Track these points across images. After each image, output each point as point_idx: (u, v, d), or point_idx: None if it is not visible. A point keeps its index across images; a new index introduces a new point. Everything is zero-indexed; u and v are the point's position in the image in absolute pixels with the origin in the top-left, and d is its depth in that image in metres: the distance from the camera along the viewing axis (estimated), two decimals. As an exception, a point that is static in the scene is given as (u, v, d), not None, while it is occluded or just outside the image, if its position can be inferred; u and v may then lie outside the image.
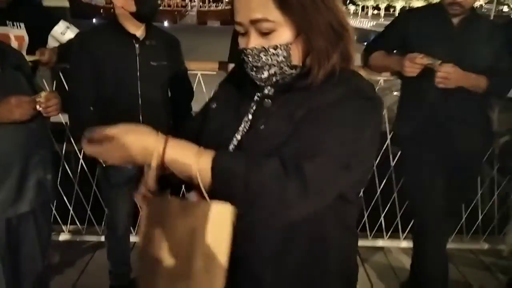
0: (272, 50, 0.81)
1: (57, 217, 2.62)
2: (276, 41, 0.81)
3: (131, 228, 2.46)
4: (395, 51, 2.12)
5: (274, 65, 0.82)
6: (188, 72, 2.13)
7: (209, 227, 0.70)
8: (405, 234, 2.82)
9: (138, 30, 1.82)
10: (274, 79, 0.85)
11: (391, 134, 2.40)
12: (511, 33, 2.00)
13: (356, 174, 0.83)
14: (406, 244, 2.80)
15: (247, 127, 0.88)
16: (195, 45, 16.19)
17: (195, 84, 2.33)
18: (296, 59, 0.83)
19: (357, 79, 0.86)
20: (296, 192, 0.72)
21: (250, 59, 0.83)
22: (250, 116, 0.89)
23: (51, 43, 2.20)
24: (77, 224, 2.77)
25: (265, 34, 0.81)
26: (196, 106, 2.24)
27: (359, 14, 71.02)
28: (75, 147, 2.62)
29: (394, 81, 2.23)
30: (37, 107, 1.46)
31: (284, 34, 0.81)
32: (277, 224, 0.82)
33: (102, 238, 2.59)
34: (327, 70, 0.82)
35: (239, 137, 0.88)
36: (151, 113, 1.86)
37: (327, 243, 0.89)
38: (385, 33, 2.19)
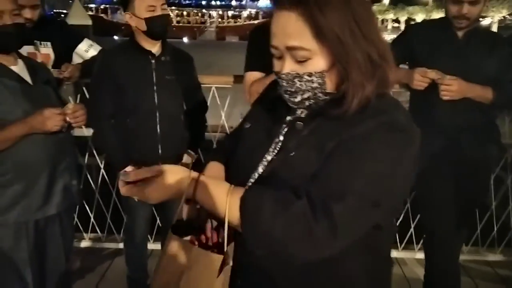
0: (306, 77, 0.81)
1: (79, 224, 2.74)
2: (311, 69, 0.81)
3: (149, 236, 2.55)
4: (401, 65, 2.18)
5: (308, 91, 0.82)
6: (203, 86, 2.23)
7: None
8: (419, 245, 2.81)
9: (153, 47, 1.94)
10: (307, 103, 0.85)
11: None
12: None
13: (388, 209, 0.82)
14: (420, 255, 2.79)
15: (277, 149, 0.88)
16: (214, 60, 16.47)
17: (209, 98, 2.42)
18: (330, 86, 0.83)
19: (392, 109, 0.83)
20: (325, 235, 0.74)
21: (285, 84, 0.83)
22: (281, 138, 0.89)
23: (76, 59, 2.34)
24: (97, 232, 2.88)
25: (300, 61, 0.81)
26: (211, 118, 2.33)
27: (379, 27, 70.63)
28: (97, 157, 2.74)
29: (404, 93, 2.27)
30: (66, 118, 1.58)
31: (320, 62, 0.80)
32: (307, 260, 0.81)
33: (121, 246, 2.68)
34: (361, 100, 0.80)
35: (269, 158, 0.89)
36: (168, 123, 1.96)
37: (354, 269, 0.87)
38: (392, 47, 2.24)
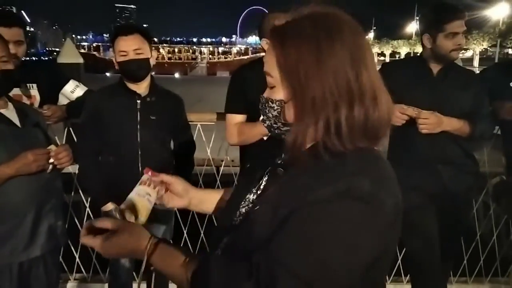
0: (270, 103, 0.83)
1: (64, 265, 2.69)
2: (274, 96, 0.83)
3: (134, 275, 2.52)
4: None
5: (272, 117, 0.84)
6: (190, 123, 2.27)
7: None
8: (407, 278, 2.80)
9: (139, 88, 1.99)
10: (275, 132, 0.86)
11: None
12: (487, 81, 2.13)
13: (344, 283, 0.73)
14: (409, 287, 2.78)
15: (259, 190, 0.88)
16: (204, 94, 16.63)
17: (195, 134, 2.46)
18: (290, 118, 0.81)
19: (358, 172, 0.75)
20: None
21: (261, 107, 0.86)
22: (264, 180, 0.89)
23: (62, 100, 2.38)
24: (82, 272, 2.82)
25: (271, 87, 0.84)
26: (197, 152, 2.36)
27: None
28: (82, 196, 2.74)
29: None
30: (50, 159, 1.60)
31: (280, 92, 0.81)
32: None
33: (107, 286, 2.63)
34: (300, 143, 0.78)
35: (251, 197, 0.89)
36: (150, 162, 1.97)
37: None
38: None
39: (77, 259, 2.77)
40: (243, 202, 0.90)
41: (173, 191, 1.11)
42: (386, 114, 0.81)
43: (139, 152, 1.96)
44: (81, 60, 9.42)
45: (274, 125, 0.85)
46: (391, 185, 0.79)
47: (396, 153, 2.23)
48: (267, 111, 0.85)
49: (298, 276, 0.70)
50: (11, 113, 1.64)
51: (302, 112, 0.78)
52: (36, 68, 2.31)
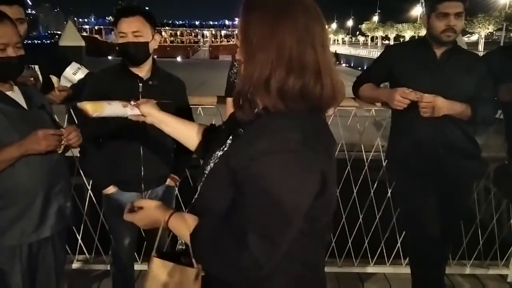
0: (234, 61, 1.02)
1: (67, 247, 2.72)
2: (237, 56, 1.01)
3: (136, 256, 2.55)
4: (381, 85, 2.24)
5: (234, 73, 1.02)
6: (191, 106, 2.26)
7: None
8: (406, 261, 2.83)
9: (140, 71, 1.98)
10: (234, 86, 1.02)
11: (386, 161, 2.47)
12: (491, 65, 2.10)
13: (298, 222, 0.90)
14: (409, 270, 2.80)
15: (225, 148, 1.00)
16: (207, 78, 16.59)
17: (196, 117, 2.46)
18: None
19: (282, 127, 0.89)
20: (249, 265, 0.87)
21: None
22: (229, 139, 1.01)
23: (64, 83, 2.37)
24: (85, 254, 2.87)
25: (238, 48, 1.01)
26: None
27: (369, 44, 71.99)
28: (84, 179, 2.75)
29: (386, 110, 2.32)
30: (61, 140, 1.62)
31: (240, 52, 0.97)
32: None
33: (109, 267, 2.67)
34: (248, 106, 0.95)
35: (219, 154, 1.01)
36: (151, 146, 1.99)
37: (279, 281, 0.98)
38: (373, 66, 2.32)
39: (80, 241, 2.80)
40: (212, 158, 1.02)
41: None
42: (331, 91, 0.94)
43: (141, 136, 1.96)
44: (82, 43, 9.37)
45: (235, 81, 0.98)
46: (321, 136, 0.94)
47: (398, 137, 2.24)
48: (234, 69, 1.00)
49: (269, 223, 0.86)
50: (17, 96, 1.64)
51: (249, 71, 0.93)
52: (37, 51, 2.29)
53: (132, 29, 1.89)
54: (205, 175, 1.03)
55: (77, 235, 2.78)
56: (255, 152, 0.87)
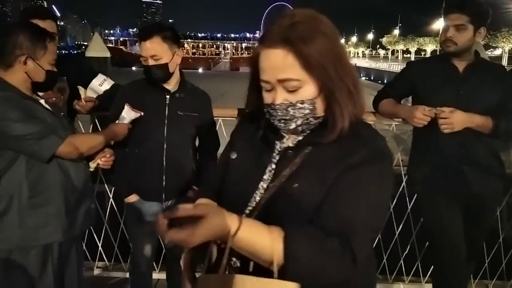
0: (299, 105, 0.91)
1: (87, 253, 2.78)
2: (302, 97, 0.90)
3: (154, 265, 2.58)
4: (402, 100, 2.24)
5: (301, 117, 0.92)
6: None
7: None
8: (426, 278, 2.78)
9: (168, 84, 2.04)
10: (300, 129, 0.94)
11: (406, 176, 2.44)
12: None
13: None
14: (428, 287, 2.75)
15: (271, 176, 0.96)
16: (228, 90, 16.73)
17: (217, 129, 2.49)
18: (319, 111, 0.93)
19: (376, 137, 0.94)
20: (348, 268, 0.85)
21: (279, 113, 0.92)
22: (273, 166, 0.97)
23: (90, 93, 2.45)
24: (105, 261, 2.92)
25: (291, 91, 0.90)
26: (221, 150, 2.38)
27: (389, 58, 71.41)
28: (106, 187, 2.81)
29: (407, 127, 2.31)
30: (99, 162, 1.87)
31: (309, 90, 0.90)
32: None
33: (128, 275, 2.71)
34: (351, 120, 0.92)
35: (265, 185, 0.96)
36: (174, 157, 2.03)
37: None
38: (394, 82, 2.31)
39: (100, 248, 2.85)
40: (256, 191, 0.96)
41: None
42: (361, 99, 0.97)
43: (165, 147, 2.00)
44: (108, 54, 9.61)
45: (305, 122, 0.93)
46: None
47: (421, 154, 2.20)
48: (294, 113, 0.91)
49: (368, 225, 0.88)
50: (46, 105, 1.73)
51: (335, 99, 0.91)
52: (66, 62, 2.38)
53: (150, 53, 1.93)
54: (262, 206, 0.94)
55: (98, 242, 2.83)
56: (356, 161, 0.89)
